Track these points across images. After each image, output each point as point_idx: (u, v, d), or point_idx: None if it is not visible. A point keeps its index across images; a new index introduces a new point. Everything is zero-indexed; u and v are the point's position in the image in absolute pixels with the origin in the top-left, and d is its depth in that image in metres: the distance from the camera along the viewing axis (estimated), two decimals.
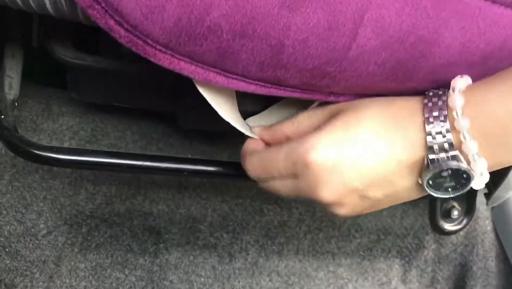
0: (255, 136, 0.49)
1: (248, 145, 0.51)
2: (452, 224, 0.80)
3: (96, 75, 0.54)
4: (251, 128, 0.50)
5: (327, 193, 0.43)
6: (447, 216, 0.80)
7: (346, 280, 0.81)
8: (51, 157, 0.49)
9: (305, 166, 0.43)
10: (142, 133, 0.70)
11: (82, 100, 0.69)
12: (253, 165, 0.48)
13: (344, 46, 0.42)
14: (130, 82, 0.56)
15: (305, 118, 0.49)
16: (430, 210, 0.87)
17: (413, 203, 0.85)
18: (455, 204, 0.80)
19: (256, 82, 0.45)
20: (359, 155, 0.42)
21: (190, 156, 0.72)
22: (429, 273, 0.85)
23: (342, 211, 0.45)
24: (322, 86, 0.46)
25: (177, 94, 0.57)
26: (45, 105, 0.67)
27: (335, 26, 0.40)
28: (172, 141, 0.72)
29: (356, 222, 0.81)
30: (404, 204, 0.86)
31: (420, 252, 0.84)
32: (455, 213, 0.78)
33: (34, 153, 0.49)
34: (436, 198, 0.74)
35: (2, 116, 0.51)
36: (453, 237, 0.86)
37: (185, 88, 0.56)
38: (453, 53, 0.43)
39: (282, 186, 0.47)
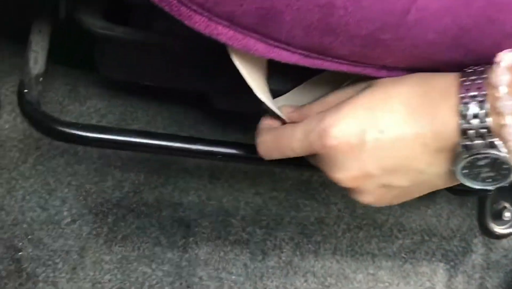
0: (283, 116, 0.45)
1: (264, 121, 0.47)
2: (503, 226, 0.74)
3: (125, 49, 0.51)
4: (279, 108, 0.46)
5: (342, 175, 0.39)
6: (498, 217, 0.74)
7: (387, 284, 0.75)
8: (76, 134, 0.46)
9: (322, 145, 0.39)
10: (173, 119, 0.67)
11: (111, 83, 0.66)
12: (265, 143, 0.44)
13: (402, 9, 0.37)
14: (162, 57, 0.52)
15: (335, 98, 0.44)
16: (479, 210, 0.80)
17: (461, 202, 0.79)
18: (507, 204, 0.74)
19: (300, 51, 0.40)
20: (380, 138, 0.38)
21: None
22: (476, 280, 0.78)
23: (366, 199, 0.41)
24: (374, 58, 0.41)
25: (211, 72, 0.53)
26: (72, 86, 0.64)
27: None
28: (204, 129, 0.68)
29: (399, 221, 0.76)
30: (451, 203, 0.80)
31: (467, 257, 0.78)
32: (506, 215, 0.72)
33: (58, 129, 0.45)
34: (481, 193, 0.68)
35: (26, 91, 0.48)
36: (504, 241, 0.80)
37: (219, 65, 0.52)
38: None
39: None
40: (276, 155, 0.44)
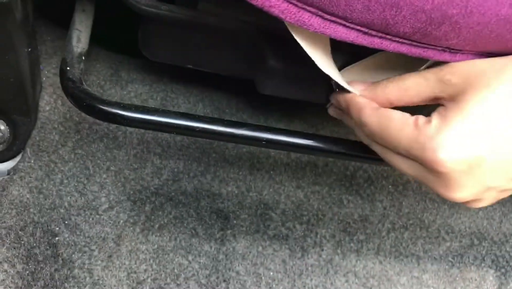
0: (356, 92, 0.42)
1: (365, 94, 0.42)
2: None
3: (170, 29, 0.49)
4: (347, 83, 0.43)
5: (462, 194, 0.36)
6: None
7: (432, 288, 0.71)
8: (117, 113, 0.44)
9: (434, 166, 0.35)
10: (214, 107, 0.64)
11: (153, 68, 0.64)
12: (372, 123, 0.39)
13: None
14: (207, 39, 0.50)
15: (414, 84, 0.40)
16: None
17: None
18: None
19: (359, 27, 0.37)
20: (501, 149, 0.35)
21: None
22: None
23: (480, 205, 0.39)
24: (438, 37, 0.38)
25: (259, 55, 0.50)
26: (114, 70, 0.63)
27: None
28: (246, 118, 0.65)
29: (447, 223, 0.71)
30: (505, 205, 0.75)
31: None
32: None
33: (99, 107, 0.44)
34: None
35: (68, 68, 0.47)
36: None
37: (267, 47, 0.50)
38: None
39: (401, 162, 0.39)
40: (379, 141, 0.40)
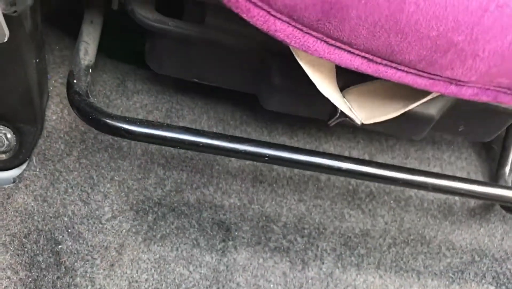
0: (358, 122, 0.42)
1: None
2: None
3: (176, 43, 0.49)
4: (351, 107, 0.43)
5: None
6: None
7: None
8: (122, 127, 0.44)
9: None
10: (218, 118, 0.65)
11: (159, 79, 0.65)
12: None
13: (480, 5, 0.34)
14: (214, 54, 0.51)
15: None
16: None
17: None
18: None
19: (363, 54, 0.38)
20: None
21: None
22: None
23: None
24: (444, 66, 0.38)
25: (263, 72, 0.51)
26: (120, 81, 0.63)
27: None
28: (250, 131, 0.66)
29: (448, 239, 0.72)
30: (506, 222, 0.75)
31: None
32: None
33: (104, 121, 0.44)
34: None
35: (75, 81, 0.47)
36: None
37: (272, 65, 0.50)
38: None
39: None
40: None
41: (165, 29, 0.47)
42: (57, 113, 0.58)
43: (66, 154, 0.58)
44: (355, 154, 0.71)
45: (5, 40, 0.43)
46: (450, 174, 0.74)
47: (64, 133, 0.58)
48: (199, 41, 0.49)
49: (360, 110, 0.48)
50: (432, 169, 0.73)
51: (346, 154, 0.70)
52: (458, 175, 0.74)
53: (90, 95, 0.47)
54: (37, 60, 0.53)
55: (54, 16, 0.63)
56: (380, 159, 0.71)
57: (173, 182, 0.62)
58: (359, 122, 0.48)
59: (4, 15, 0.43)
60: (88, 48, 0.51)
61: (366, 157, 0.71)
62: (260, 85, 0.53)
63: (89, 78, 0.49)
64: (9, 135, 0.57)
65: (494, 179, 0.73)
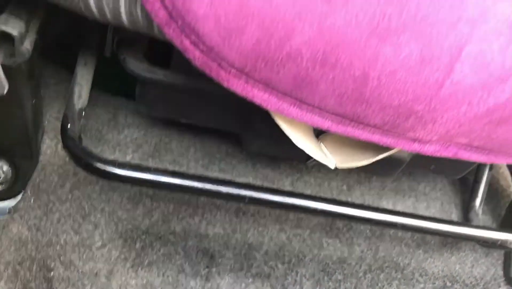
0: (331, 167, 0.46)
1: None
2: None
3: (165, 90, 0.53)
4: (326, 152, 0.47)
5: None
6: None
7: None
8: (112, 172, 0.48)
9: None
10: (205, 152, 0.68)
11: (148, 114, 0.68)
12: None
13: (436, 82, 0.38)
14: (200, 100, 0.54)
15: None
16: (505, 260, 0.80)
17: (486, 251, 0.79)
18: None
19: (333, 117, 0.42)
20: None
21: (251, 178, 0.70)
22: None
23: None
24: (407, 128, 0.42)
25: (246, 118, 0.54)
26: (112, 115, 0.67)
27: (428, 60, 0.36)
28: (235, 163, 0.69)
29: (421, 266, 0.75)
30: (476, 251, 0.79)
31: None
32: None
33: (96, 166, 0.48)
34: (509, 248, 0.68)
35: (69, 126, 0.50)
36: None
37: (255, 112, 0.54)
38: None
39: None
40: None
41: (154, 78, 0.51)
42: (51, 147, 0.62)
43: (59, 186, 0.62)
44: (334, 184, 0.74)
45: (5, 93, 0.46)
46: (425, 204, 0.78)
47: (57, 167, 0.62)
48: (186, 88, 0.52)
49: (335, 156, 0.52)
50: (407, 200, 0.77)
51: (326, 184, 0.74)
52: (432, 205, 0.78)
53: (82, 139, 0.50)
54: (34, 101, 0.56)
55: (50, 51, 0.66)
56: (357, 190, 0.75)
57: (161, 212, 0.66)
58: (332, 167, 0.52)
59: (3, 66, 0.46)
60: (81, 91, 0.55)
61: (345, 188, 0.75)
62: (242, 129, 0.56)
63: (82, 121, 0.52)
64: (5, 168, 0.60)
65: (466, 210, 0.77)
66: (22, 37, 0.46)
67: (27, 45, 0.48)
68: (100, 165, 0.48)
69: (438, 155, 0.45)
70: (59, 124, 0.61)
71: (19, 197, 0.61)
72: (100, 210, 0.63)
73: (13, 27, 0.45)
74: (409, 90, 0.39)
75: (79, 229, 0.62)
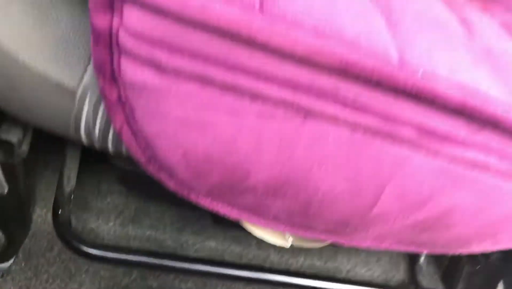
0: (287, 246, 0.55)
1: None
2: None
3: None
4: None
5: None
6: None
7: None
8: (98, 256, 0.56)
9: None
10: (180, 215, 0.76)
11: (129, 179, 0.76)
12: None
13: (366, 206, 0.47)
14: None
15: None
16: None
17: None
18: None
19: (286, 224, 0.50)
20: None
21: (221, 240, 0.77)
22: None
23: None
24: (346, 233, 0.51)
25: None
26: (97, 181, 0.74)
27: (357, 194, 0.45)
28: (207, 224, 0.77)
29: None
30: None
31: None
32: None
33: (85, 251, 0.55)
34: None
35: (60, 212, 0.58)
36: None
37: None
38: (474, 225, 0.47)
39: None
40: None
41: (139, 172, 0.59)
42: (41, 216, 0.69)
43: (48, 250, 0.69)
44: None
45: (5, 193, 0.53)
46: (375, 258, 0.87)
47: (47, 233, 0.69)
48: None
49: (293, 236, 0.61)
50: (360, 253, 0.86)
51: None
52: (383, 258, 0.87)
53: (71, 223, 0.58)
54: (27, 179, 0.63)
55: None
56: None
57: (140, 271, 0.73)
58: (288, 246, 0.61)
59: (2, 165, 0.54)
60: (70, 175, 0.62)
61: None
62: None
63: (71, 205, 0.60)
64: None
65: (413, 261, 0.87)
66: (20, 142, 0.54)
67: (24, 148, 0.55)
68: (88, 249, 0.56)
69: (374, 248, 0.54)
70: (48, 194, 0.69)
71: (11, 261, 0.68)
72: (84, 270, 0.71)
73: (13, 135, 0.53)
74: (345, 210, 0.47)
75: (66, 287, 0.70)
